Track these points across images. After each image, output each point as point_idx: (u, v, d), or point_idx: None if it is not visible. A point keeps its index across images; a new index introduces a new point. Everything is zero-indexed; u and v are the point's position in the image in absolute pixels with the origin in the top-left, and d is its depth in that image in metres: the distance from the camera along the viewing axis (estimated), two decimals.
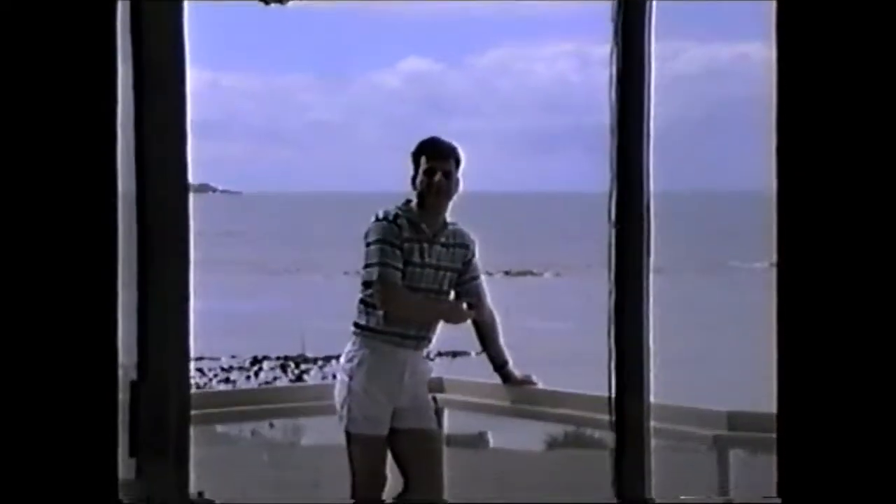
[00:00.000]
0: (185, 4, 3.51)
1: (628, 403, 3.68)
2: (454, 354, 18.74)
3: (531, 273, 45.67)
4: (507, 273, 42.82)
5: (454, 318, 5.66)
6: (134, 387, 3.66)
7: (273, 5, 4.68)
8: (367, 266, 5.55)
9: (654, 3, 3.64)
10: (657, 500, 3.69)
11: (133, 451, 3.73)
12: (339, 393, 5.58)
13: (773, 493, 2.81)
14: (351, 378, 5.55)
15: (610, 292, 3.63)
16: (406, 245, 5.49)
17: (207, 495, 4.40)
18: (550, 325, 29.18)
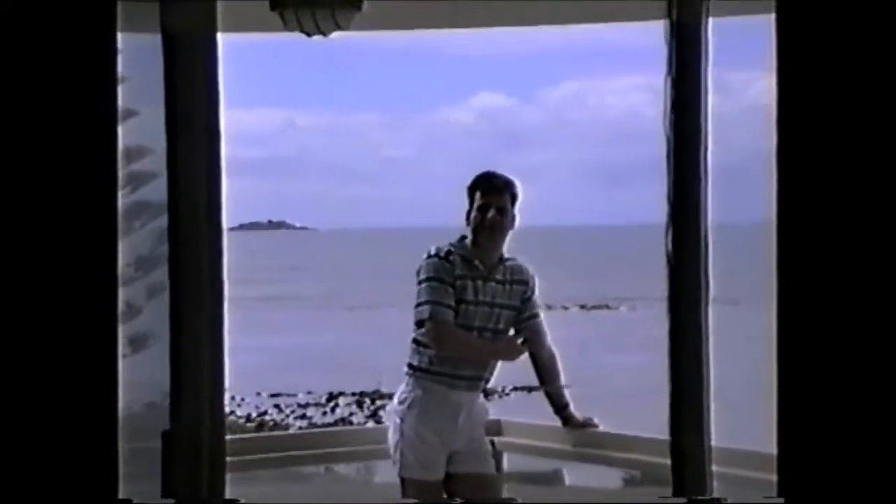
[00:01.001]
0: (220, 42, 3.48)
1: (687, 446, 3.49)
2: (530, 390, 18.67)
3: (607, 307, 45.41)
4: (582, 307, 42.57)
5: (509, 354, 5.48)
6: (166, 436, 3.59)
7: (316, 38, 4.64)
8: (418, 305, 5.41)
9: (710, 26, 3.53)
10: None
11: (166, 493, 3.70)
12: (391, 436, 5.43)
13: None
14: (402, 420, 5.39)
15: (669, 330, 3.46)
16: (459, 282, 5.36)
17: None
18: (628, 358, 28.93)
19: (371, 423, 22.38)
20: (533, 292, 5.53)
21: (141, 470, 4.57)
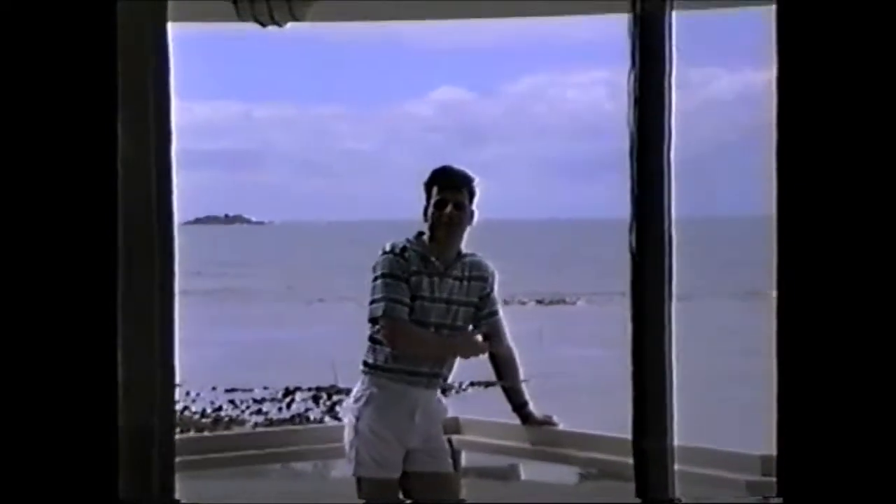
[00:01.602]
0: (172, 34, 3.40)
1: (649, 445, 3.46)
2: (487, 385, 18.62)
3: (564, 301, 45.51)
4: (539, 302, 42.64)
5: (467, 351, 5.41)
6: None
7: (271, 28, 4.56)
8: (372, 302, 5.32)
9: (673, 17, 3.45)
10: None
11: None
12: (347, 435, 5.34)
13: None
14: (358, 419, 5.30)
15: (632, 325, 3.43)
16: (414, 279, 5.27)
17: None
18: (584, 352, 29.01)
19: (328, 419, 22.51)
20: (492, 289, 5.45)
21: None
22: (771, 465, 4.89)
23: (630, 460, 4.94)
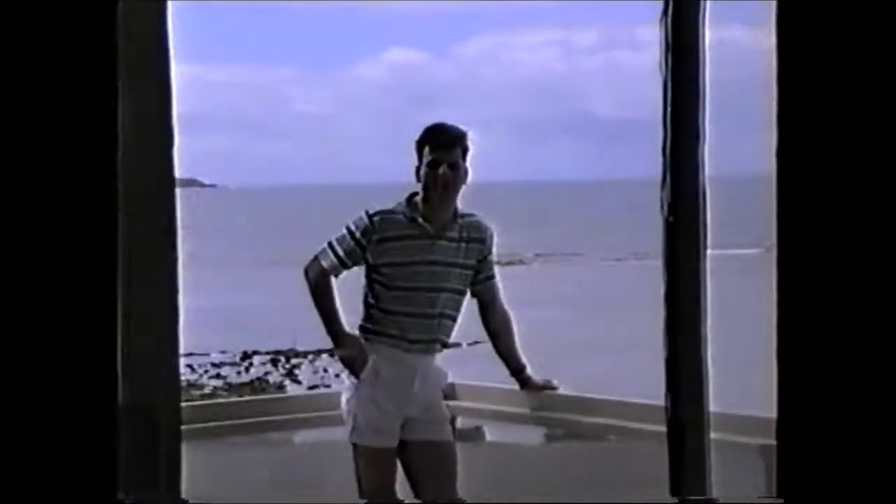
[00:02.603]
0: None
1: (685, 413, 3.26)
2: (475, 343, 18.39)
3: (521, 262, 45.63)
4: (496, 263, 42.84)
5: (345, 351, 5.22)
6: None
7: None
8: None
9: None
10: None
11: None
12: (344, 401, 5.22)
13: None
14: (356, 385, 5.18)
15: (665, 293, 3.26)
16: (396, 243, 5.11)
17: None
18: (543, 314, 29.01)
19: (288, 382, 22.44)
20: (490, 251, 5.31)
21: None
22: None
23: (637, 424, 4.91)
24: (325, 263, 5.16)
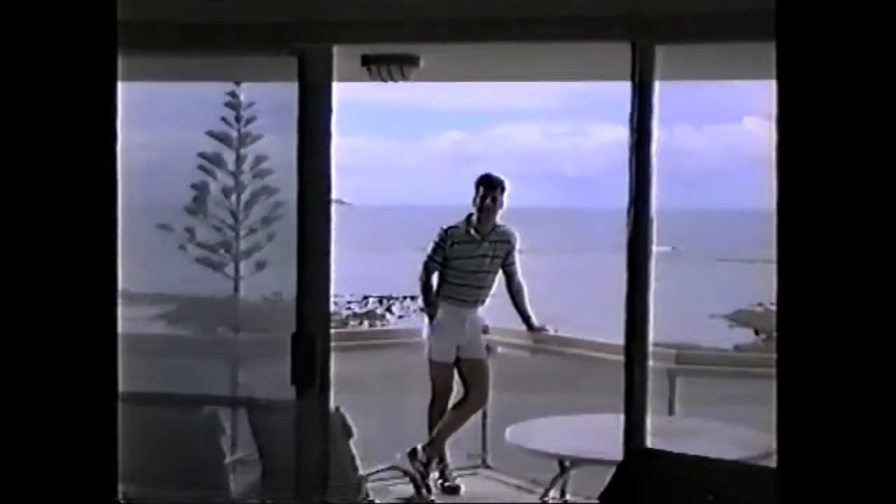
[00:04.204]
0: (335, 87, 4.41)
1: (636, 347, 4.88)
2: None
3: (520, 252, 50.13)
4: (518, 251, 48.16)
5: (427, 308, 7.96)
6: (294, 337, 4.80)
7: (390, 82, 5.59)
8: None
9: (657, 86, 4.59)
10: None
11: (293, 380, 4.79)
12: (425, 335, 6.89)
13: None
14: (432, 326, 6.93)
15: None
16: (458, 246, 7.00)
17: (342, 409, 5.14)
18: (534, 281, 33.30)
19: (388, 314, 32.00)
20: (513, 248, 7.11)
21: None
22: (681, 357, 6.79)
23: (599, 354, 6.61)
24: (428, 268, 6.96)
